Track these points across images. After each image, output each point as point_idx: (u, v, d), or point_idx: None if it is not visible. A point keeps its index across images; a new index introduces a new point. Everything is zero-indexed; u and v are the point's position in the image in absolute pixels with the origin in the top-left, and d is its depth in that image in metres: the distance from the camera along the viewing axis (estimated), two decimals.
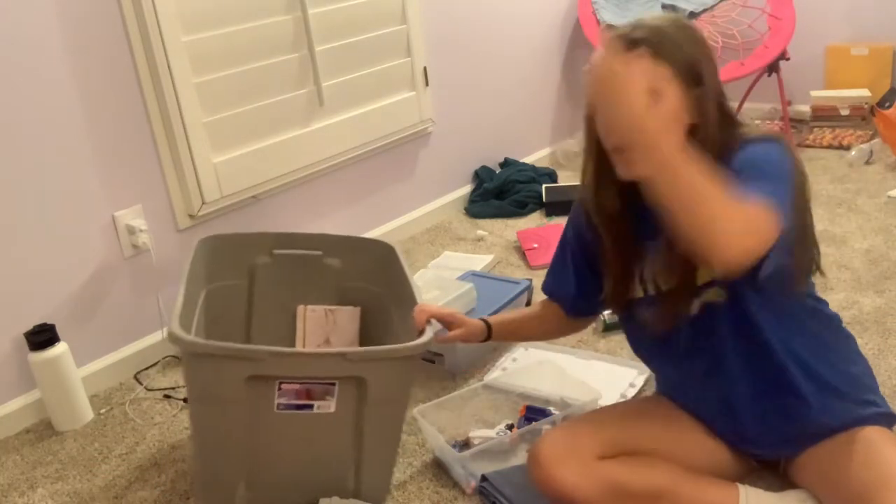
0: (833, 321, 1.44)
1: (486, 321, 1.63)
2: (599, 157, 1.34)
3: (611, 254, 1.43)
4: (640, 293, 1.43)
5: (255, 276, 2.00)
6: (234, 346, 1.46)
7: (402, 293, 1.73)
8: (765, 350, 1.36)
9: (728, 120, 1.31)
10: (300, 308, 2.03)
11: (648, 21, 1.27)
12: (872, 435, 1.34)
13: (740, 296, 1.33)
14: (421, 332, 1.51)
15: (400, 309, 1.65)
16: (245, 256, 1.98)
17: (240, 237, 1.99)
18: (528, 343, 2.11)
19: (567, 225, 1.59)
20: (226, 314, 1.98)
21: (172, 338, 1.41)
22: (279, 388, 1.44)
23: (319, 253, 2.00)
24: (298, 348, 1.99)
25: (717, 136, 1.27)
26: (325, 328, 2.03)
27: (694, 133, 1.27)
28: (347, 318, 2.04)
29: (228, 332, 1.98)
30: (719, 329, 1.37)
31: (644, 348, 1.55)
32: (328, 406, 1.47)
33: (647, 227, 1.36)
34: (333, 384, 1.45)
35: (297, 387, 1.45)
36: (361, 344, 2.01)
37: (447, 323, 1.59)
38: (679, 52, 1.24)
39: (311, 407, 1.47)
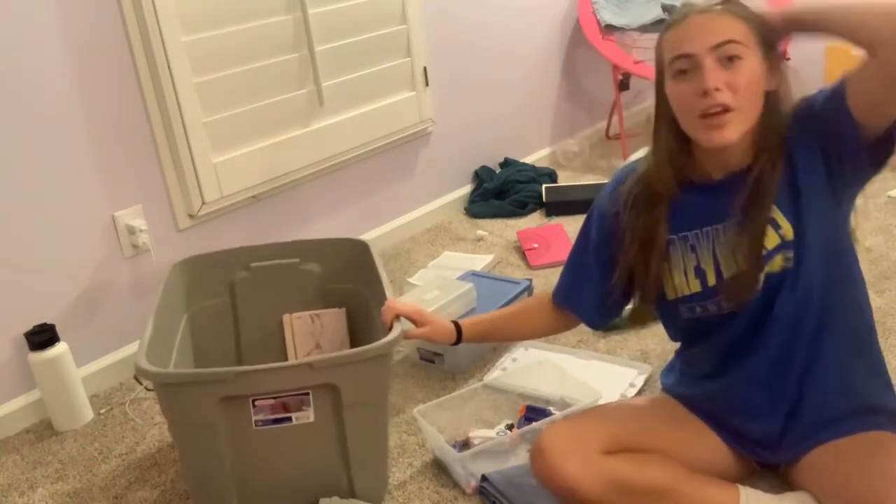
0: (872, 322, 1.44)
1: (455, 322, 1.62)
2: (675, 133, 1.35)
3: (647, 247, 1.40)
4: (696, 287, 1.39)
5: (235, 292, 2.00)
6: (199, 371, 1.47)
7: (379, 290, 1.73)
8: (810, 343, 1.35)
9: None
10: (286, 317, 2.04)
11: None
12: (879, 440, 1.35)
13: (805, 263, 1.31)
14: (389, 330, 1.50)
15: (379, 305, 1.66)
16: (222, 274, 1.99)
17: (214, 256, 1.99)
18: (528, 343, 2.10)
19: (588, 229, 1.53)
20: (213, 335, 1.99)
21: (139, 371, 1.43)
22: (254, 406, 1.45)
23: (296, 260, 2.01)
24: (289, 361, 1.99)
25: (787, 108, 1.30)
26: (313, 333, 2.04)
27: (771, 101, 1.30)
28: (334, 320, 2.04)
29: (218, 352, 2.00)
30: (774, 318, 1.35)
31: (691, 336, 1.51)
32: (307, 416, 1.47)
33: (701, 215, 1.37)
34: (307, 394, 1.45)
35: (271, 401, 1.45)
36: (352, 343, 2.02)
37: (414, 320, 1.59)
38: (753, 13, 1.28)
39: (289, 419, 1.47)
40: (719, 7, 1.26)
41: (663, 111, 1.36)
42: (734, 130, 1.26)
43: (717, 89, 1.23)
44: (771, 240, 1.32)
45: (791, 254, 1.32)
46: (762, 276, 1.33)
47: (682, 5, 1.30)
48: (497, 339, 1.96)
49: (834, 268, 1.34)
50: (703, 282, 1.39)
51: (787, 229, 1.31)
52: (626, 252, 1.43)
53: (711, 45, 1.24)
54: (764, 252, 1.32)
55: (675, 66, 1.28)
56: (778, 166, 1.30)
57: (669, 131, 1.36)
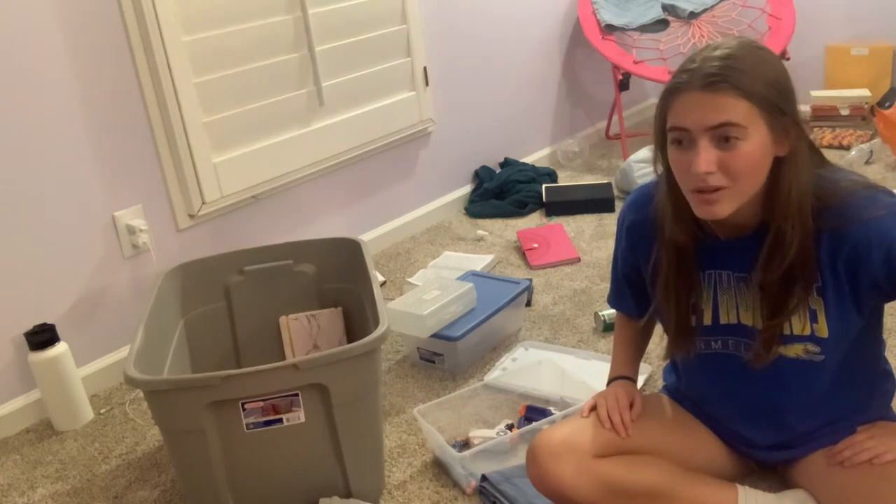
0: (890, 379, 1.44)
1: (625, 376, 1.55)
2: (676, 192, 1.28)
3: (673, 281, 1.35)
4: (707, 320, 1.37)
5: (231, 296, 2.01)
6: (185, 377, 1.47)
7: (370, 288, 1.74)
8: (817, 393, 1.35)
9: (813, 150, 1.26)
10: (282, 319, 2.04)
11: (719, 51, 1.17)
12: None
13: (829, 357, 1.30)
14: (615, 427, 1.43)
15: (374, 304, 1.66)
16: (216, 279, 1.99)
17: (206, 261, 1.99)
18: (528, 343, 2.11)
19: (619, 239, 1.51)
20: (211, 340, 1.99)
21: (127, 380, 1.43)
22: (244, 409, 1.45)
23: (290, 262, 2.02)
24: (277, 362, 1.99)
25: (808, 167, 1.23)
26: (310, 334, 2.04)
27: (783, 166, 1.21)
28: (330, 320, 2.05)
29: (216, 357, 2.00)
30: (782, 377, 1.34)
31: (693, 367, 1.47)
32: (297, 417, 1.48)
33: (729, 260, 1.33)
34: (296, 395, 1.46)
35: (261, 404, 1.45)
36: (350, 342, 2.02)
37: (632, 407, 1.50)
38: (758, 81, 1.16)
39: (280, 421, 1.47)
40: (724, 84, 1.14)
41: (664, 162, 1.28)
42: (725, 208, 1.19)
43: (708, 173, 1.16)
44: (801, 327, 1.29)
45: (818, 349, 1.30)
46: (776, 350, 1.31)
47: (689, 70, 1.18)
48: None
49: (857, 353, 1.33)
50: (716, 318, 1.37)
51: (823, 327, 1.28)
52: (658, 289, 1.39)
53: (707, 126, 1.15)
54: (787, 332, 1.29)
55: (673, 136, 1.21)
56: (811, 256, 1.23)
57: (669, 184, 1.30)
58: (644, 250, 1.41)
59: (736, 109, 1.15)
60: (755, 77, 1.16)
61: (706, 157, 1.16)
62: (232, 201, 2.38)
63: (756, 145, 1.17)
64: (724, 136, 1.16)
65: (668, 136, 1.22)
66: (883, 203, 1.21)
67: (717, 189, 1.18)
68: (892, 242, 1.19)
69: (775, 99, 1.17)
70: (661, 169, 1.31)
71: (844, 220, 1.21)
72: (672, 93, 1.20)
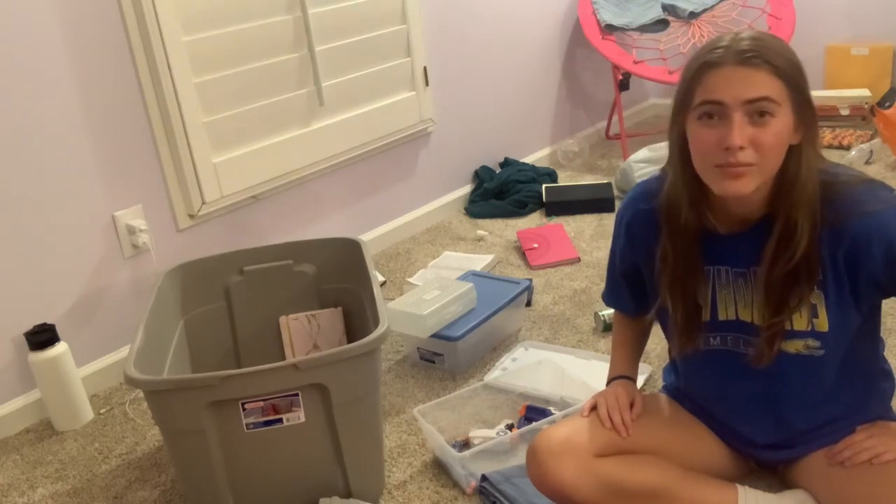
0: (890, 378, 1.44)
1: (625, 376, 1.55)
2: (691, 174, 1.27)
3: (680, 275, 1.35)
4: (705, 316, 1.37)
5: (230, 296, 2.01)
6: (185, 377, 1.47)
7: (370, 288, 1.74)
8: (817, 389, 1.35)
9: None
10: (282, 319, 2.04)
11: (746, 34, 1.20)
12: None
13: (829, 352, 1.30)
14: (618, 426, 1.42)
15: (374, 304, 1.66)
16: (216, 279, 1.99)
17: (206, 261, 1.99)
18: (528, 343, 2.11)
19: (616, 236, 1.51)
20: (211, 340, 1.99)
21: (127, 380, 1.43)
22: (244, 409, 1.45)
23: (290, 262, 2.02)
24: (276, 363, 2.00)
25: (816, 159, 1.24)
26: (310, 334, 2.04)
27: (796, 154, 1.23)
28: (330, 320, 2.05)
29: (216, 357, 2.00)
30: (782, 372, 1.34)
31: (692, 365, 1.47)
32: (297, 417, 1.48)
33: (731, 254, 1.33)
34: (296, 395, 1.46)
35: (261, 404, 1.45)
36: (350, 342, 2.02)
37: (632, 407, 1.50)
38: (787, 62, 1.19)
39: (280, 421, 1.47)
40: (758, 60, 1.16)
41: (679, 143, 1.28)
42: (750, 183, 1.19)
43: (741, 147, 1.17)
44: (800, 322, 1.29)
45: (818, 344, 1.30)
46: (778, 347, 1.30)
47: (722, 48, 1.19)
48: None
49: (856, 350, 1.33)
50: (714, 314, 1.37)
51: (824, 322, 1.28)
52: (663, 285, 1.38)
53: (744, 100, 1.16)
54: (787, 328, 1.29)
55: (703, 109, 1.20)
56: (815, 252, 1.24)
57: (685, 168, 1.28)
58: (644, 247, 1.41)
59: (772, 85, 1.17)
60: (784, 59, 1.19)
61: (741, 132, 1.17)
62: (232, 201, 2.38)
63: (784, 125, 1.19)
64: (758, 112, 1.17)
65: (696, 110, 1.22)
66: (882, 197, 1.22)
67: (744, 166, 1.18)
68: (892, 239, 1.20)
69: (800, 81, 1.20)
70: (675, 150, 1.29)
71: (844, 214, 1.22)
72: (706, 67, 1.20)
